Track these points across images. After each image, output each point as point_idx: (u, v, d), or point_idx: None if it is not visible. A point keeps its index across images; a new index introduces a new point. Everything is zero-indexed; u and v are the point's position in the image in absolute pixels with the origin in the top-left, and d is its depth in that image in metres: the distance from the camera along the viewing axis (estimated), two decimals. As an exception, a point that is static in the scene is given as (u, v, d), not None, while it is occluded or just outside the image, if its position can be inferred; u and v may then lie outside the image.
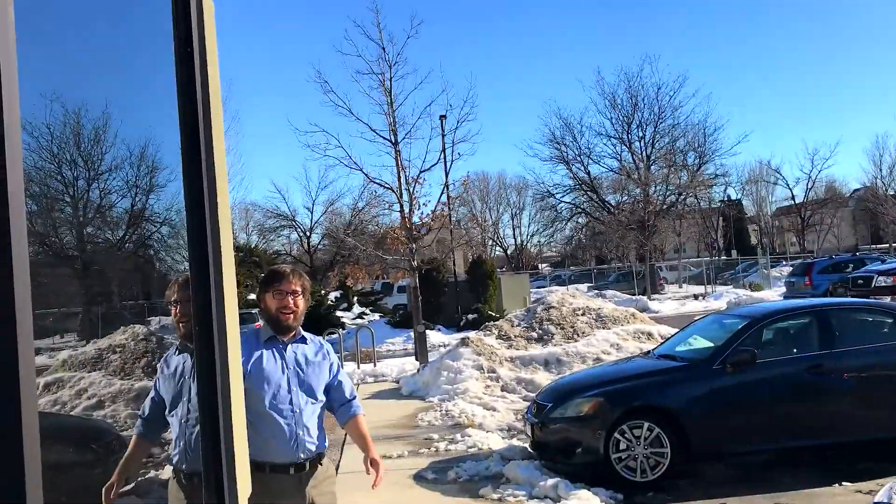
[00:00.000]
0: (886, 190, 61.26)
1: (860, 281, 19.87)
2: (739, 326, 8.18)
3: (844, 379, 7.68)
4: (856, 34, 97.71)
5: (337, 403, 3.87)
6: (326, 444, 3.78)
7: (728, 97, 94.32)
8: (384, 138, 17.42)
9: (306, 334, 3.85)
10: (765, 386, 7.64)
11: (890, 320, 8.27)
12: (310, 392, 3.70)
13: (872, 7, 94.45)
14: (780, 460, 7.70)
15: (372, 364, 17.73)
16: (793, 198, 70.08)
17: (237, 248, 31.68)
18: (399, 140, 17.40)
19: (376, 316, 30.52)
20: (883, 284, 18.47)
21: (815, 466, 7.47)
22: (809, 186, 69.04)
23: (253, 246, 38.92)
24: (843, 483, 6.91)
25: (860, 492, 6.68)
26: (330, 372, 3.84)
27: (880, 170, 64.02)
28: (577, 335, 14.71)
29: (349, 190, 54.84)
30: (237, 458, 1.55)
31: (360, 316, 30.23)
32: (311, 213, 46.38)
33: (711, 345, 8.35)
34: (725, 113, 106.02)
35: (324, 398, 3.79)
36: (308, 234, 45.80)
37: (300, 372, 3.70)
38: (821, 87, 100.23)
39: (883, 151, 62.88)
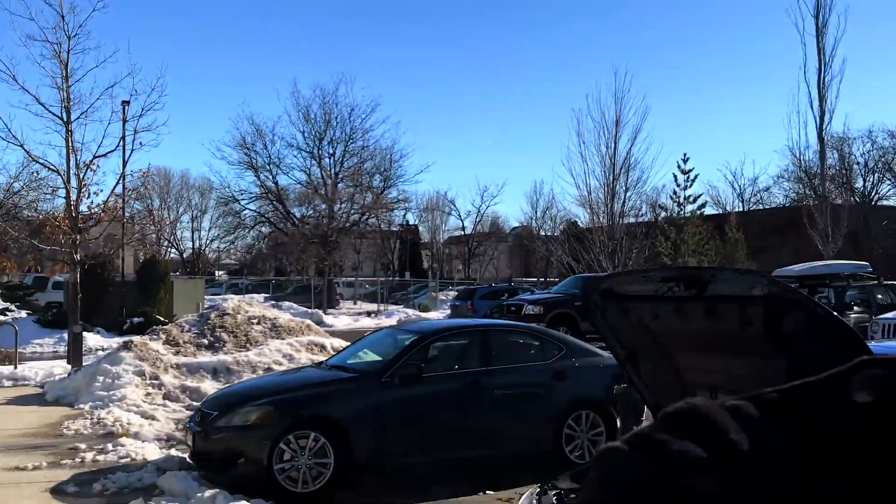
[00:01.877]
0: (539, 230, 68.67)
1: (512, 308, 21.91)
2: (409, 342, 8.51)
3: (497, 395, 8.32)
4: (519, 86, 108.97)
5: None
6: None
7: (416, 127, 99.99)
8: (54, 114, 15.67)
9: None
10: (428, 399, 8.02)
11: (537, 343, 9.16)
12: None
13: (536, 63, 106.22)
14: (438, 471, 8.08)
15: (12, 366, 15.70)
16: (462, 228, 75.74)
17: None
18: (73, 119, 15.75)
19: (23, 313, 27.21)
20: (531, 312, 20.52)
21: (468, 476, 7.95)
22: (478, 220, 75.17)
23: None
24: (487, 491, 7.45)
25: (500, 500, 7.25)
26: None
27: (536, 211, 71.78)
28: (251, 344, 14.35)
29: (3, 167, 48.35)
30: None
31: (3, 312, 26.75)
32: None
33: (381, 358, 8.60)
34: (412, 142, 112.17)
35: None
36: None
37: None
38: (492, 129, 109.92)
39: (539, 196, 70.44)
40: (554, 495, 4.02)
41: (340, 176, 44.97)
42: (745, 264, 41.53)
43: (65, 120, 15.69)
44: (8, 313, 26.72)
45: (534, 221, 71.51)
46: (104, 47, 16.51)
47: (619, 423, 7.46)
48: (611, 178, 29.98)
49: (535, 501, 4.06)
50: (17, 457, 8.28)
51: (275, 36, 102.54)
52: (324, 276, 41.30)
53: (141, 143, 16.52)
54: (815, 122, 31.49)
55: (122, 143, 17.13)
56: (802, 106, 38.39)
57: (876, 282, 18.78)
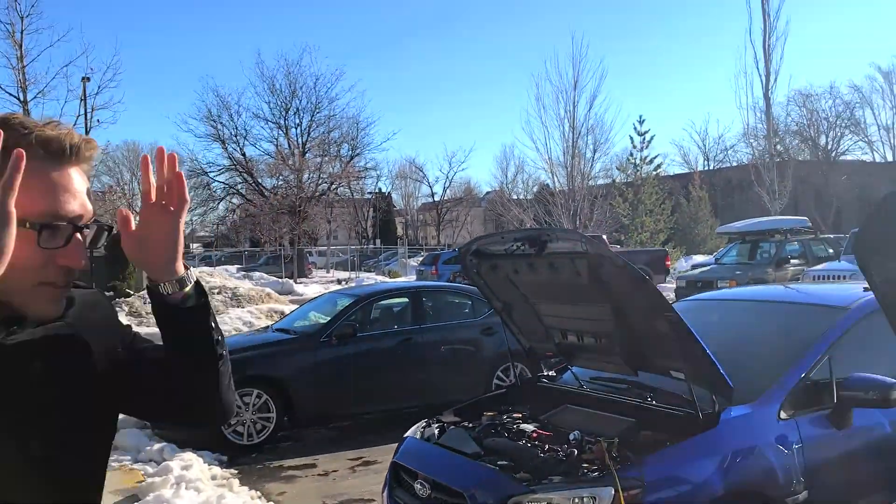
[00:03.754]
0: (510, 194, 69.29)
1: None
2: (348, 303, 9.15)
3: (429, 350, 8.99)
4: (483, 50, 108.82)
5: None
6: None
7: (380, 95, 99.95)
8: (10, 94, 15.99)
9: None
10: (363, 357, 8.67)
11: (469, 302, 9.82)
12: None
13: (500, 29, 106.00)
14: (374, 422, 8.76)
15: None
16: (432, 195, 76.19)
17: None
18: (29, 99, 16.10)
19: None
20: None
21: (403, 426, 8.57)
22: (446, 185, 75.58)
23: None
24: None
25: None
26: None
27: (506, 176, 72.37)
28: (211, 313, 14.92)
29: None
30: None
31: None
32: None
33: (323, 320, 9.23)
34: (378, 110, 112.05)
35: None
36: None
37: None
38: (458, 95, 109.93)
39: (509, 161, 71.01)
40: (437, 427, 4.71)
41: (308, 146, 45.26)
42: (708, 222, 42.52)
43: (21, 100, 16.04)
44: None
45: (505, 186, 72.19)
46: (58, 26, 16.80)
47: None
48: (570, 141, 30.60)
49: (420, 431, 4.74)
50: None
51: (235, 5, 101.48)
52: (294, 245, 41.76)
53: (98, 120, 16.91)
54: (762, 82, 32.19)
55: (81, 119, 17.51)
56: (749, 67, 39.08)
57: (813, 236, 19.65)
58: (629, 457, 3.63)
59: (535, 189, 56.82)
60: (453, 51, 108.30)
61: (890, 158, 55.79)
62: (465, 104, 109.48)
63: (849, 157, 56.65)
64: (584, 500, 3.44)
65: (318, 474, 7.20)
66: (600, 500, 3.42)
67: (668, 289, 19.50)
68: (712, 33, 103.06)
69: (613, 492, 3.41)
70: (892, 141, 56.33)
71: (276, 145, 46.56)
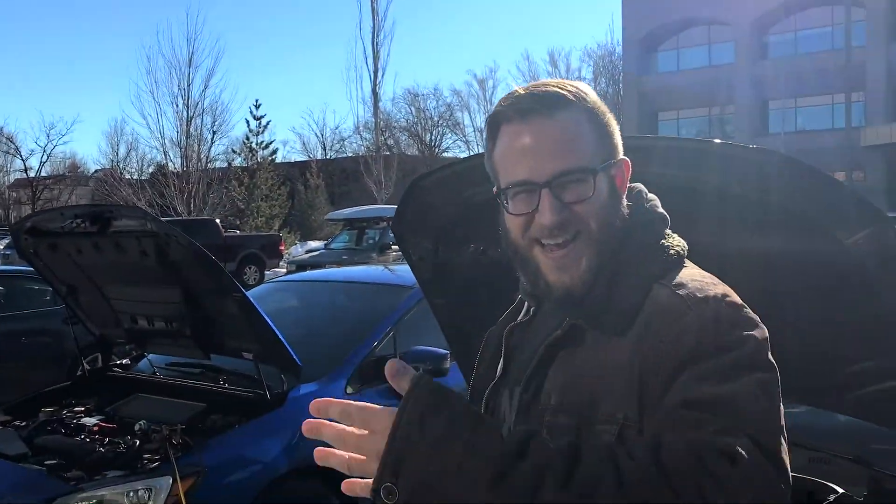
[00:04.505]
0: (122, 174, 64.68)
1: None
2: None
3: (8, 340, 8.00)
4: (87, 15, 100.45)
5: None
6: None
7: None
8: None
9: None
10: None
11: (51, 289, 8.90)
12: None
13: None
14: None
15: None
16: (26, 170, 67.99)
17: None
18: None
19: None
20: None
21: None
22: (44, 160, 68.01)
23: None
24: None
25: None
26: None
27: (117, 154, 67.32)
28: None
29: None
30: None
31: None
32: None
33: None
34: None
35: None
36: None
37: None
38: (60, 61, 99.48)
39: (120, 137, 65.94)
40: None
41: None
42: (324, 209, 43.94)
43: None
44: None
45: (117, 164, 67.00)
46: None
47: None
48: (185, 120, 29.41)
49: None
50: None
51: None
52: None
53: None
54: (370, 77, 34.17)
55: None
56: (359, 61, 41.19)
57: (413, 223, 21.28)
58: (190, 443, 3.51)
59: (150, 169, 53.62)
60: (58, 7, 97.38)
61: (483, 157, 62.77)
62: (67, 72, 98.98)
63: (449, 154, 62.58)
64: (139, 492, 3.24)
65: None
66: (157, 492, 3.25)
67: (281, 273, 19.71)
68: (329, 21, 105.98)
69: (171, 481, 3.27)
70: (485, 142, 63.44)
71: None
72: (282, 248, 23.73)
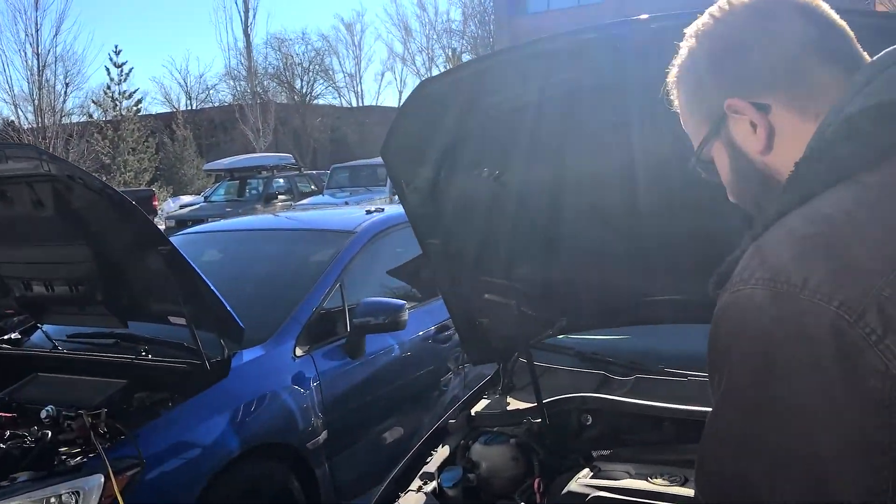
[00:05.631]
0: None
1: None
2: None
3: None
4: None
5: None
6: None
7: None
8: None
9: None
10: None
11: None
12: None
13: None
14: None
15: None
16: None
17: None
18: None
19: None
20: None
21: None
22: None
23: None
24: None
25: None
26: None
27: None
28: None
29: None
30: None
31: None
32: None
33: None
34: None
35: None
36: None
37: None
38: None
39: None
40: None
41: None
42: (194, 162, 41.75)
43: None
44: None
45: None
46: None
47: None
48: (36, 70, 26.92)
49: None
50: None
51: None
52: None
53: None
54: (241, 18, 32.32)
55: None
56: (229, 1, 38.93)
57: (298, 171, 20.40)
58: (121, 429, 2.87)
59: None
60: None
61: (355, 104, 61.31)
62: None
63: (321, 102, 60.76)
64: (63, 497, 2.61)
65: None
66: (86, 494, 2.62)
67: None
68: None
69: (103, 479, 2.65)
70: (356, 88, 61.94)
71: None
72: (155, 203, 22.22)
